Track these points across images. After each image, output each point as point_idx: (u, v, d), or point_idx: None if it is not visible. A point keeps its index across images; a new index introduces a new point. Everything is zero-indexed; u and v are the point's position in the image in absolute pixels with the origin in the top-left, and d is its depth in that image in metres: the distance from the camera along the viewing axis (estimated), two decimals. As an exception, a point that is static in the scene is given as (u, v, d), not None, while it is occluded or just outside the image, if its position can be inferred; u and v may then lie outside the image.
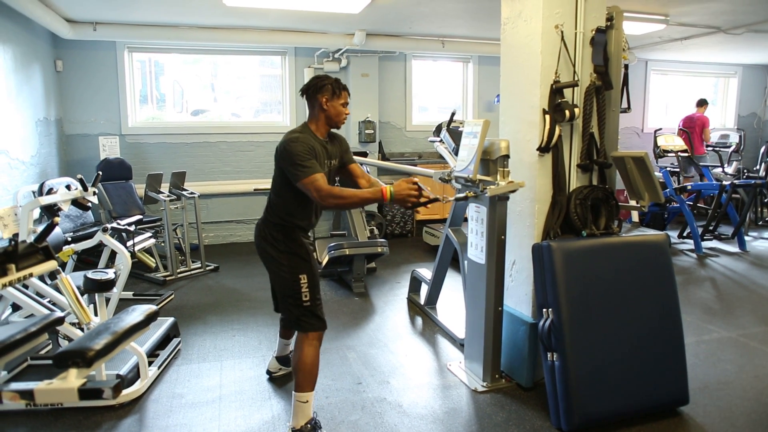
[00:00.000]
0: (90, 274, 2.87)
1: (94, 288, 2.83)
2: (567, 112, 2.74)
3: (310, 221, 2.64)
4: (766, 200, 7.90)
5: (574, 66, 2.83)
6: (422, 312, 4.32)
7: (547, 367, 2.62)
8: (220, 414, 2.78)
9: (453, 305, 4.36)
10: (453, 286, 4.72)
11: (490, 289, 2.93)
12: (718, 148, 8.27)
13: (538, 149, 2.82)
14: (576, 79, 2.82)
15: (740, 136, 8.48)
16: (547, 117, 2.78)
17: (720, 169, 7.66)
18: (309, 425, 2.45)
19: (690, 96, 8.97)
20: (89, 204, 3.69)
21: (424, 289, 4.46)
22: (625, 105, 3.11)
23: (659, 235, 2.92)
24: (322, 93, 2.54)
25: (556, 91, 2.78)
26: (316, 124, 2.58)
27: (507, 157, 2.80)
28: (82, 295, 2.91)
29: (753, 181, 6.60)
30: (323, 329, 2.54)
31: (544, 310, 2.64)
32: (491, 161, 2.88)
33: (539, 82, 2.80)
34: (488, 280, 2.93)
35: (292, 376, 3.24)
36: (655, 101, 9.16)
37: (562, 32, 2.77)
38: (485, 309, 2.95)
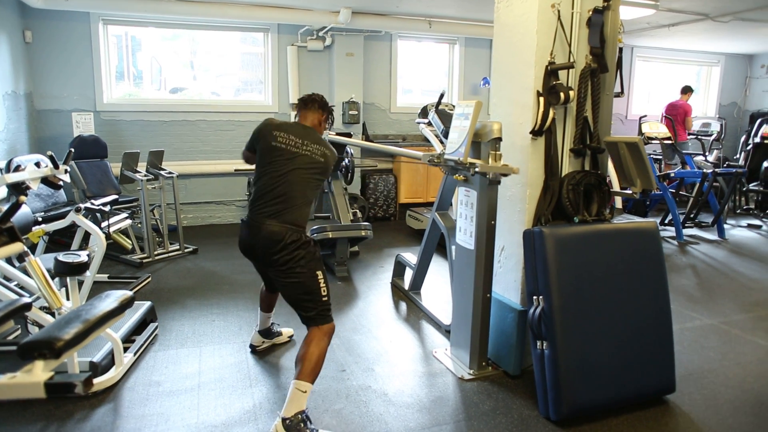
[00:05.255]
0: (61, 256, 2.72)
1: (65, 271, 2.68)
2: (562, 95, 2.66)
3: None
4: (744, 189, 8.01)
5: (570, 47, 2.74)
6: (406, 297, 4.26)
7: (537, 356, 2.57)
8: (198, 402, 2.68)
9: (438, 290, 4.30)
10: (438, 271, 4.66)
11: (478, 275, 2.86)
12: (700, 136, 8.32)
13: (531, 132, 2.75)
14: (572, 60, 2.74)
15: (721, 125, 8.54)
16: (542, 99, 2.70)
17: (702, 157, 7.72)
18: (300, 416, 2.35)
19: (673, 83, 8.99)
20: (61, 183, 3.51)
21: (409, 274, 4.39)
22: (618, 89, 3.04)
23: (650, 222, 2.88)
24: (324, 112, 2.79)
25: (551, 72, 2.69)
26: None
27: (499, 139, 2.71)
28: (52, 278, 2.77)
29: (734, 170, 6.66)
30: (333, 319, 2.59)
31: (535, 297, 2.58)
32: (483, 144, 2.80)
33: (534, 63, 2.71)
34: (477, 266, 2.86)
35: (273, 349, 3.29)
36: (639, 88, 9.17)
37: (558, 11, 2.67)
38: (473, 295, 2.89)
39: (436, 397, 2.76)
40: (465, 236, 2.98)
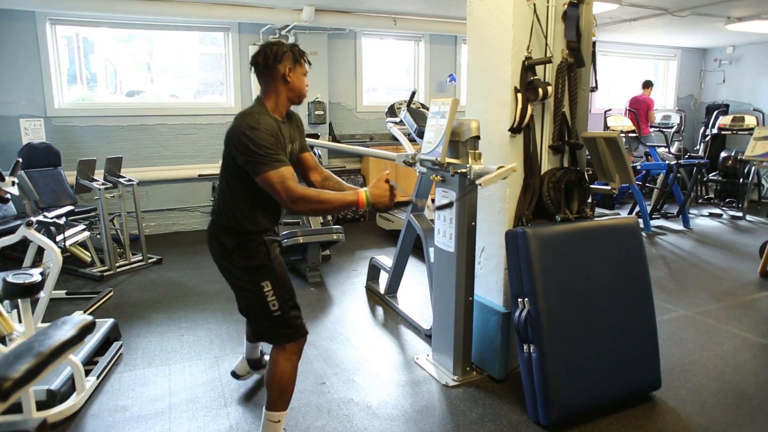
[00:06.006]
0: (11, 277, 2.49)
1: (15, 293, 2.46)
2: (540, 91, 2.59)
3: (275, 220, 2.22)
4: (704, 179, 8.22)
5: (546, 41, 2.68)
6: (383, 301, 4.14)
7: (524, 360, 2.50)
8: (170, 427, 2.50)
9: (415, 293, 4.21)
10: (413, 273, 4.57)
11: (460, 278, 2.77)
12: (662, 129, 8.50)
13: (509, 130, 2.67)
14: (549, 55, 2.67)
15: (681, 117, 8.75)
16: (519, 95, 2.63)
17: (665, 149, 7.88)
18: None
19: (632, 77, 9.15)
20: (7, 196, 3.26)
21: (383, 277, 4.29)
22: (593, 83, 3.01)
23: (630, 218, 2.85)
24: (282, 62, 2.05)
25: (529, 68, 2.62)
26: (275, 102, 2.10)
27: (477, 138, 2.63)
28: (1, 301, 2.54)
29: (696, 161, 6.81)
30: (300, 338, 2.19)
31: (520, 300, 2.51)
32: (460, 143, 2.71)
33: (510, 59, 2.64)
34: (458, 269, 2.77)
35: (257, 376, 3.03)
36: (601, 82, 9.30)
37: (534, 5, 2.60)
38: (455, 299, 2.80)
39: (421, 407, 2.66)
40: (444, 238, 2.88)
